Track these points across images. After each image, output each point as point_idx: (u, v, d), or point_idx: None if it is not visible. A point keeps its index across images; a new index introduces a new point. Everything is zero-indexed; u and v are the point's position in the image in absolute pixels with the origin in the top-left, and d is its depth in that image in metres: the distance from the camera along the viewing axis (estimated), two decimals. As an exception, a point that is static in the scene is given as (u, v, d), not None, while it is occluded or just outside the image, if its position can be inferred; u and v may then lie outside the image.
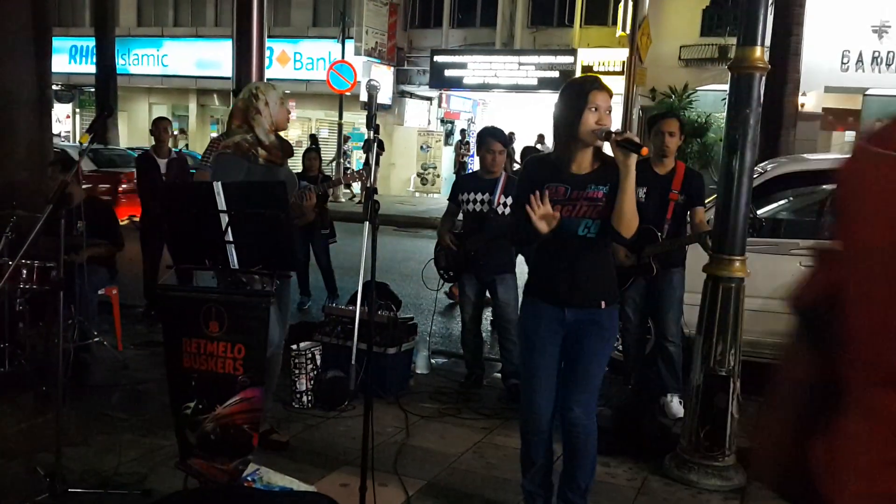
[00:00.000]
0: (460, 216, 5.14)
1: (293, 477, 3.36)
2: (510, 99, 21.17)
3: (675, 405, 4.64)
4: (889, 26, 17.09)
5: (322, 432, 4.25)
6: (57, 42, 13.09)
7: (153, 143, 6.94)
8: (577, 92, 2.91)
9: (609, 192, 2.88)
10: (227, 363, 3.07)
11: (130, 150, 17.68)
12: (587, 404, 3.02)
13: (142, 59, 24.35)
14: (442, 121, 23.36)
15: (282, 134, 3.82)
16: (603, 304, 3.00)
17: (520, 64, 20.10)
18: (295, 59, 21.93)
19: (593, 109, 2.85)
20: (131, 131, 24.97)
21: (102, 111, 16.65)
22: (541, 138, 17.29)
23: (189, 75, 23.61)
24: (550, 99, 20.47)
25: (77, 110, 27.15)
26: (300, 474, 3.50)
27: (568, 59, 19.53)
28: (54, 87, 16.82)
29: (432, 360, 5.59)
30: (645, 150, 2.76)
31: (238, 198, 3.17)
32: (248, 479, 3.16)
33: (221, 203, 3.14)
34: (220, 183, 3.19)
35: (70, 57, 24.61)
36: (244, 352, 3.05)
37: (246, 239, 3.19)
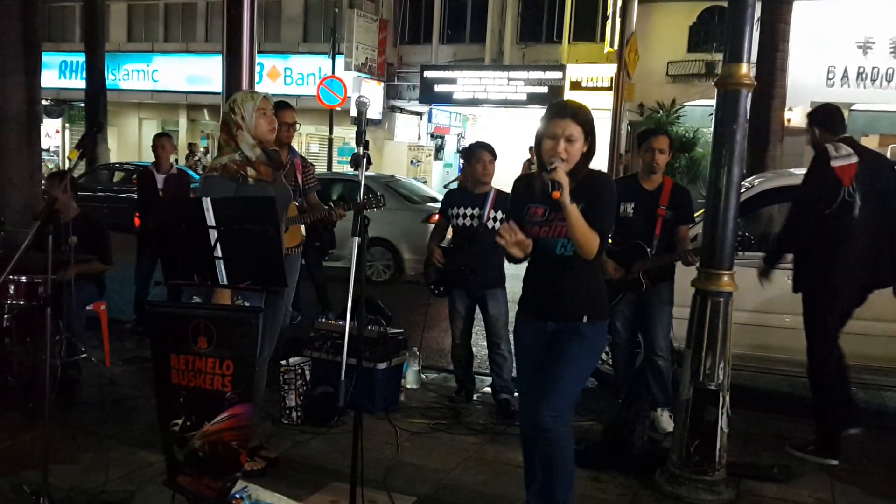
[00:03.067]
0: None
1: (282, 494, 3.34)
2: (499, 114, 21.27)
3: (665, 419, 4.64)
4: (873, 42, 17.30)
5: (311, 449, 4.22)
6: (46, 57, 13.08)
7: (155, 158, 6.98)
8: (544, 117, 2.99)
9: (583, 209, 2.87)
10: (215, 379, 3.05)
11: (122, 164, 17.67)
12: (556, 408, 2.95)
13: (132, 75, 24.36)
14: (432, 136, 23.45)
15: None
16: (585, 318, 3.01)
17: (509, 79, 20.24)
18: (285, 74, 21.98)
19: (551, 137, 2.91)
20: (121, 147, 24.93)
21: (92, 127, 16.64)
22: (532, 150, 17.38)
23: (179, 90, 23.63)
24: (539, 114, 20.67)
25: (67, 125, 27.08)
26: (289, 491, 3.47)
27: (556, 74, 19.67)
28: (44, 102, 16.79)
29: (422, 375, 5.58)
30: (556, 195, 2.78)
31: (228, 213, 3.16)
32: (237, 496, 3.14)
33: (210, 219, 3.13)
34: (209, 199, 3.19)
35: (60, 72, 24.59)
36: (233, 368, 3.03)
37: (235, 255, 3.18)
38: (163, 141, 7.05)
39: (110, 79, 20.10)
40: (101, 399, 4.93)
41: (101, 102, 16.90)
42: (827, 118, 4.50)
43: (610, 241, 4.23)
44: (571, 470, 3.07)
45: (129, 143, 25.76)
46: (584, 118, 2.95)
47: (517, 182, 3.21)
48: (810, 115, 4.60)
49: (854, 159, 4.23)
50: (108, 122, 19.34)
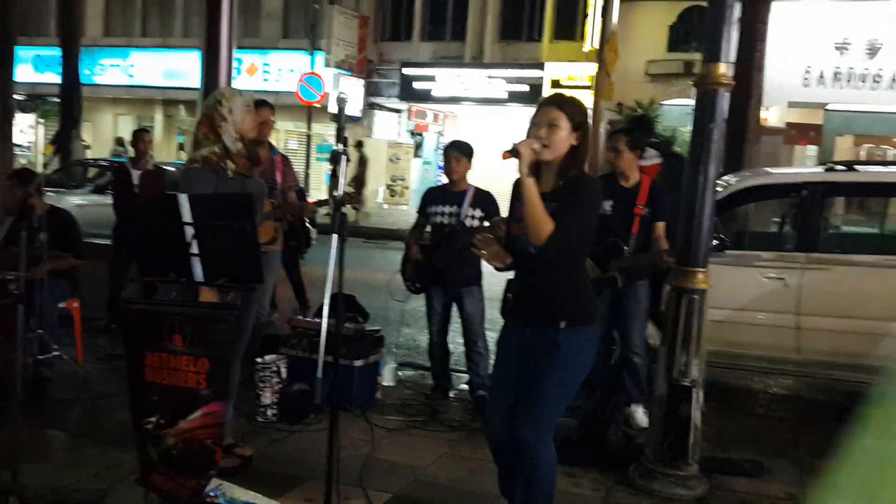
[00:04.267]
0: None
1: (257, 492, 3.32)
2: (479, 112, 21.27)
3: (640, 415, 4.68)
4: (850, 43, 17.49)
5: (287, 446, 4.21)
6: (21, 51, 12.88)
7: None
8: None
9: (555, 209, 2.76)
10: (189, 377, 3.03)
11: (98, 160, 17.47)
12: (536, 427, 2.85)
13: (108, 70, 24.06)
14: (411, 133, 23.41)
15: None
16: (563, 324, 2.87)
17: (489, 77, 20.24)
18: (264, 70, 21.81)
19: (535, 125, 2.87)
20: (96, 142, 24.63)
21: (67, 123, 16.46)
22: None
23: (156, 86, 23.36)
24: (519, 112, 20.56)
25: (41, 120, 26.72)
26: (264, 489, 3.45)
27: (537, 73, 19.70)
28: (17, 96, 16.56)
29: (399, 373, 5.58)
30: (506, 155, 2.80)
31: (204, 210, 3.14)
32: (211, 494, 3.12)
33: (187, 215, 3.11)
34: (185, 195, 3.16)
35: (34, 66, 24.23)
36: (208, 366, 3.01)
37: (212, 251, 3.16)
38: (145, 136, 7.00)
39: (85, 74, 19.89)
40: (73, 397, 4.89)
41: (75, 97, 16.71)
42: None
43: None
44: (549, 490, 2.93)
45: (104, 138, 25.45)
46: (570, 108, 2.87)
47: (515, 183, 3.12)
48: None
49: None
50: (83, 118, 19.13)
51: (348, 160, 3.27)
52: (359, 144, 18.67)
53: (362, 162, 18.69)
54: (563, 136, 2.84)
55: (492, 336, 5.15)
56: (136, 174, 6.74)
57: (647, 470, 3.88)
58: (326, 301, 3.17)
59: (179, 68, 21.80)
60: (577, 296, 2.94)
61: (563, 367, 2.88)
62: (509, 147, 2.79)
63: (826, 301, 5.06)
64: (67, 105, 16.69)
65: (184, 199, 3.12)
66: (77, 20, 17.53)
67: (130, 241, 5.72)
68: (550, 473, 2.94)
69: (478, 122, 20.81)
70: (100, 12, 24.87)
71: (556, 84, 19.21)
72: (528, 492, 2.94)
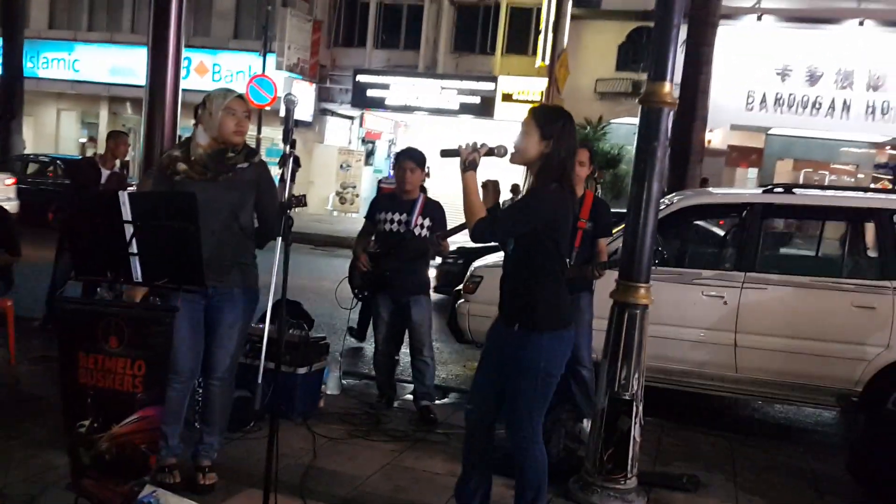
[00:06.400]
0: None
1: (192, 499, 3.25)
2: (431, 121, 21.33)
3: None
4: (791, 70, 18.08)
5: (226, 453, 4.11)
6: (-41, 40, 12.49)
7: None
8: None
9: (504, 208, 3.20)
10: (125, 380, 2.95)
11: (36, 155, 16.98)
12: (515, 426, 3.12)
13: (52, 63, 23.43)
14: (363, 140, 23.33)
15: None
16: (517, 326, 3.07)
17: (442, 88, 20.34)
18: (214, 70, 21.52)
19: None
20: (37, 137, 23.94)
21: (5, 115, 15.99)
22: (514, 189, 17.44)
23: (101, 82, 22.84)
24: (471, 123, 20.64)
25: (-22, 112, 25.85)
26: (200, 497, 3.39)
27: (489, 85, 19.87)
28: (-46, 86, 16.04)
29: (343, 381, 5.53)
30: (444, 153, 3.22)
31: (147, 209, 3.07)
32: (144, 500, 3.04)
33: (126, 213, 3.04)
34: (126, 193, 3.09)
35: (-27, 56, 23.47)
36: (144, 369, 2.94)
37: (152, 251, 3.08)
38: (123, 139, 6.99)
39: (28, 67, 19.35)
40: (3, 398, 4.72)
41: (16, 91, 16.25)
42: None
43: None
44: (534, 484, 3.14)
45: (45, 133, 24.76)
46: (541, 117, 3.09)
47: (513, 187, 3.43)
48: None
49: None
50: (24, 112, 18.59)
51: (298, 165, 3.23)
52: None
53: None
54: (533, 143, 3.05)
55: (438, 346, 5.16)
56: (105, 173, 6.65)
57: (586, 483, 3.91)
58: (269, 307, 3.12)
59: (126, 65, 21.34)
60: (535, 301, 3.07)
61: (525, 373, 3.06)
62: (454, 147, 3.11)
63: (762, 319, 5.19)
64: (7, 98, 16.23)
65: (124, 197, 3.05)
66: (21, 10, 17.07)
67: (69, 238, 5.57)
68: (536, 472, 3.13)
69: (430, 132, 20.86)
70: (45, 3, 24.21)
71: (507, 97, 19.40)
72: (520, 479, 3.18)
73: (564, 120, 3.09)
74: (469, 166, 3.06)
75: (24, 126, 18.60)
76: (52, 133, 24.80)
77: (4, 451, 3.85)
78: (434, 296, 5.19)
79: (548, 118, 3.08)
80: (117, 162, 7.00)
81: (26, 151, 17.80)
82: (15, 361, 5.37)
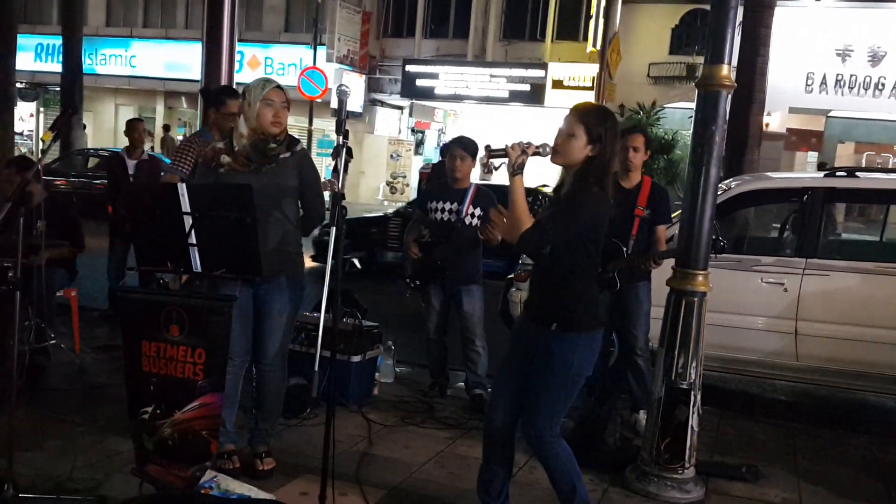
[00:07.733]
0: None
1: (252, 485, 3.31)
2: (481, 110, 21.27)
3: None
4: (852, 50, 17.52)
5: (283, 440, 4.19)
6: (22, 39, 12.83)
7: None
8: None
9: (548, 214, 2.97)
10: (186, 367, 3.02)
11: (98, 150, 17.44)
12: (535, 427, 3.01)
13: (109, 60, 24.04)
14: (412, 130, 23.40)
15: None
16: (554, 326, 2.94)
17: (491, 76, 20.26)
18: (266, 63, 21.81)
19: (559, 129, 2.98)
20: (97, 132, 24.60)
21: (67, 109, 16.39)
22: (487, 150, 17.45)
23: (157, 77, 23.36)
24: (521, 111, 20.53)
25: (41, 109, 26.68)
26: (259, 482, 3.45)
27: (539, 72, 19.71)
28: (18, 84, 16.50)
29: (396, 369, 5.57)
30: (488, 153, 3.02)
31: (204, 200, 3.12)
32: (206, 486, 3.11)
33: (185, 205, 3.10)
34: (184, 185, 3.15)
35: (36, 55, 24.21)
36: (205, 356, 3.00)
37: (210, 242, 3.14)
38: (139, 125, 7.00)
39: (87, 63, 19.84)
40: (69, 386, 4.87)
41: (76, 87, 16.67)
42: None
43: None
44: (571, 480, 3.05)
45: (104, 128, 25.42)
46: (588, 119, 2.91)
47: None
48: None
49: None
50: (84, 108, 19.11)
51: (350, 156, 3.24)
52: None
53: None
54: (579, 146, 2.90)
55: (489, 335, 5.15)
56: (131, 164, 6.75)
57: (643, 472, 3.87)
58: (325, 295, 3.15)
59: (181, 60, 21.78)
60: (574, 301, 2.98)
61: (556, 371, 2.96)
62: (501, 147, 2.93)
63: (825, 307, 5.06)
64: (68, 94, 16.67)
65: (182, 189, 3.11)
66: (79, 9, 17.49)
67: (128, 231, 5.71)
68: (563, 466, 3.05)
69: (480, 120, 20.80)
70: (102, 2, 24.82)
71: (557, 84, 19.22)
72: (549, 473, 3.10)
73: (611, 121, 2.97)
74: (518, 169, 2.89)
75: (84, 121, 19.12)
76: (110, 128, 25.45)
77: (71, 437, 3.98)
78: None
79: (596, 120, 2.92)
80: (145, 150, 7.09)
81: (88, 146, 18.33)
82: (79, 350, 5.53)
